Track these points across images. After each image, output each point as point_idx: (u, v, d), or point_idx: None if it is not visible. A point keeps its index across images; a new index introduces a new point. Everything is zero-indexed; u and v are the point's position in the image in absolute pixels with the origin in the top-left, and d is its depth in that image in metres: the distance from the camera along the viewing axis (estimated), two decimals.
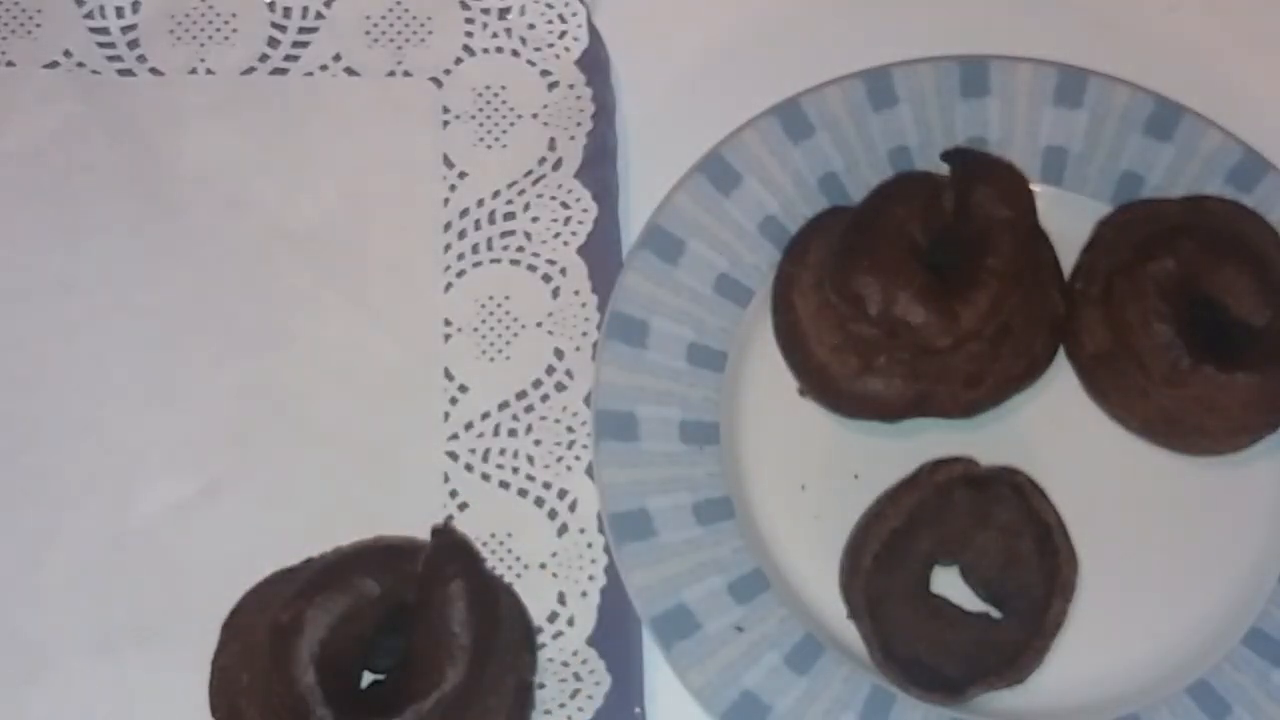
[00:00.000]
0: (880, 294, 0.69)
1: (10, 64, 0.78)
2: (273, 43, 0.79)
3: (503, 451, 0.72)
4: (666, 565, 0.69)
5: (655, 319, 0.73)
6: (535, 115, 0.78)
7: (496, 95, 0.79)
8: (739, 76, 0.80)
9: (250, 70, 0.79)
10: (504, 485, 0.72)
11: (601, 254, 0.76)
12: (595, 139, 0.78)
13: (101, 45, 0.79)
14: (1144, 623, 0.70)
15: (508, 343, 0.74)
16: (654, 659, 0.69)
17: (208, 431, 0.72)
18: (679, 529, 0.70)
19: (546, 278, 0.75)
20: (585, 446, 0.72)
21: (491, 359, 0.74)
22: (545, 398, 0.73)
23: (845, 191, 0.76)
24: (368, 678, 0.66)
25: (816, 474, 0.73)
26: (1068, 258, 0.75)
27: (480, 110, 0.79)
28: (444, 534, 0.66)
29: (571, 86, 0.79)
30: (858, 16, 0.83)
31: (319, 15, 0.80)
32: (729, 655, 0.68)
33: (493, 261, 0.76)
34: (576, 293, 0.75)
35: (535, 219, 0.76)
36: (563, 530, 0.71)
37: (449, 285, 0.75)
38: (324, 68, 0.79)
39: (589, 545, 0.71)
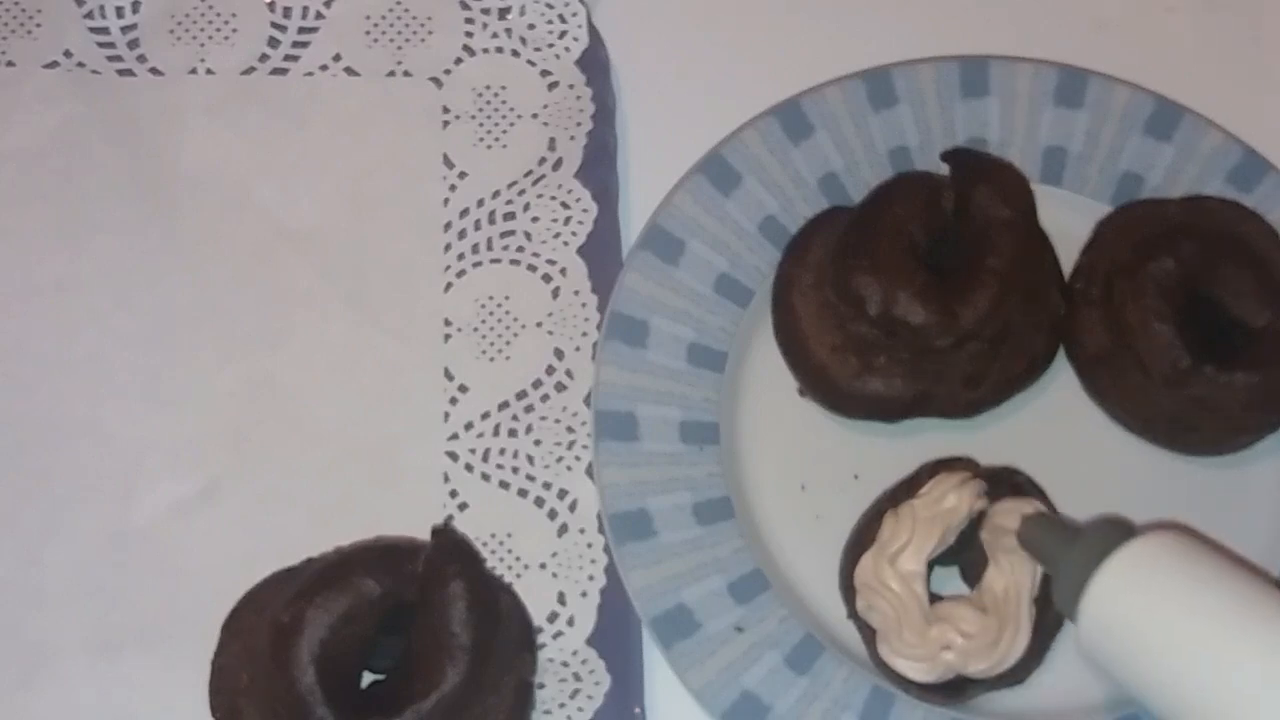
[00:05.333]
0: (880, 294, 0.70)
1: (10, 64, 0.78)
2: (273, 43, 0.79)
3: (503, 451, 0.72)
4: (666, 565, 0.69)
5: (655, 319, 0.73)
6: (535, 115, 0.79)
7: (496, 95, 0.79)
8: (739, 76, 0.80)
9: (250, 70, 0.79)
10: (504, 485, 0.72)
11: (601, 254, 0.76)
12: (595, 139, 0.78)
13: (101, 45, 0.79)
14: None
15: (508, 343, 0.74)
16: (654, 659, 0.69)
17: (208, 431, 0.72)
18: (679, 529, 0.70)
19: (546, 278, 0.75)
20: (585, 446, 0.72)
21: (491, 359, 0.74)
22: (545, 398, 0.73)
23: (845, 191, 0.76)
24: (368, 678, 0.66)
25: (816, 474, 0.73)
26: (1068, 258, 0.75)
27: (480, 110, 0.79)
28: (444, 534, 0.66)
29: (571, 86, 0.79)
30: (858, 16, 0.83)
31: (319, 15, 0.80)
32: (729, 655, 0.68)
33: (493, 261, 0.76)
34: (576, 293, 0.75)
35: (535, 219, 0.76)
36: (563, 530, 0.71)
37: (449, 285, 0.75)
38: (324, 68, 0.79)
39: (589, 545, 0.71)
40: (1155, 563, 0.60)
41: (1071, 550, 0.62)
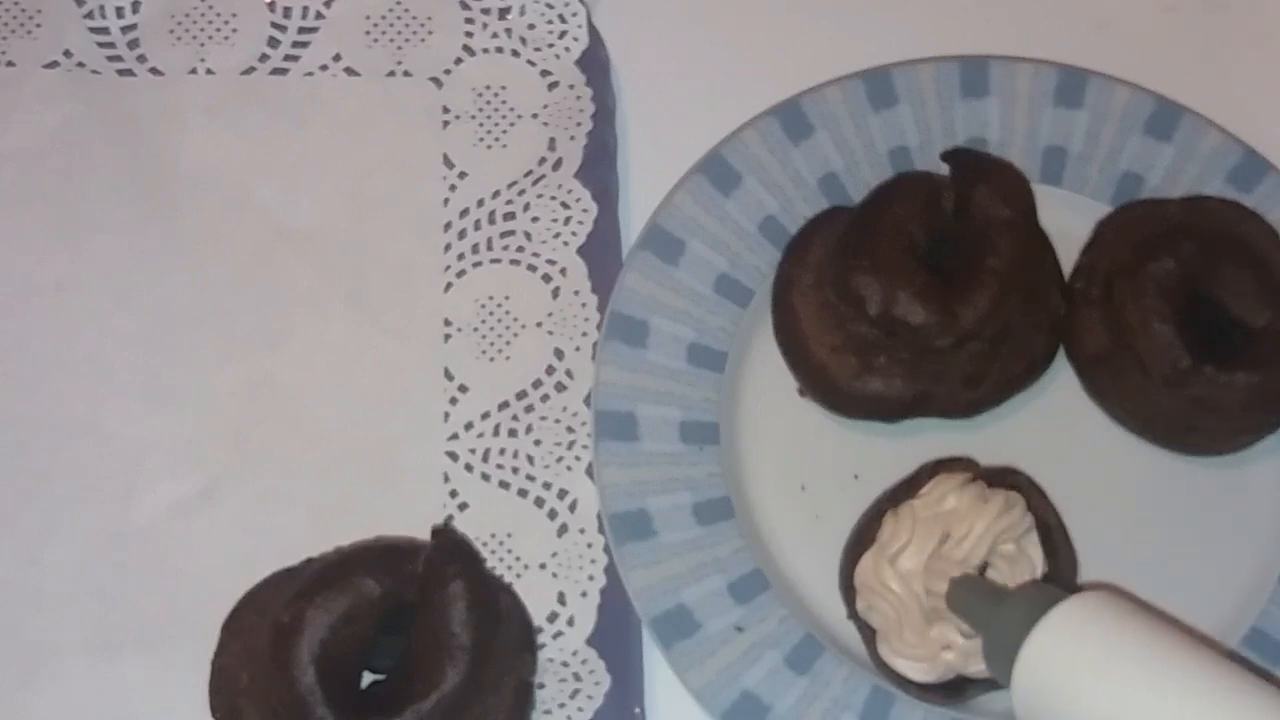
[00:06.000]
0: (880, 294, 0.70)
1: (10, 64, 0.78)
2: (273, 43, 0.79)
3: (503, 451, 0.72)
4: (666, 565, 0.69)
5: (655, 319, 0.73)
6: (535, 115, 0.79)
7: (496, 95, 0.79)
8: (739, 76, 0.80)
9: (250, 70, 0.79)
10: (504, 485, 0.72)
11: (601, 254, 0.76)
12: (595, 139, 0.78)
13: (101, 45, 0.79)
14: None
15: (508, 343, 0.74)
16: (654, 659, 0.69)
17: (208, 431, 0.72)
18: (679, 529, 0.70)
19: (546, 278, 0.75)
20: (585, 446, 0.72)
21: (491, 359, 0.74)
22: (545, 398, 0.73)
23: (845, 191, 0.76)
24: (368, 678, 0.66)
25: (816, 474, 0.73)
26: (1068, 258, 0.75)
27: (480, 110, 0.79)
28: (444, 534, 0.66)
29: (571, 86, 0.79)
30: (858, 16, 0.83)
31: (319, 15, 0.80)
32: (729, 655, 0.68)
33: (493, 261, 0.76)
34: (576, 293, 0.75)
35: (535, 219, 0.76)
36: (563, 530, 0.71)
37: (449, 285, 0.75)
38: (324, 68, 0.79)
39: (589, 545, 0.71)
40: (1087, 625, 0.59)
41: (1001, 613, 0.61)
